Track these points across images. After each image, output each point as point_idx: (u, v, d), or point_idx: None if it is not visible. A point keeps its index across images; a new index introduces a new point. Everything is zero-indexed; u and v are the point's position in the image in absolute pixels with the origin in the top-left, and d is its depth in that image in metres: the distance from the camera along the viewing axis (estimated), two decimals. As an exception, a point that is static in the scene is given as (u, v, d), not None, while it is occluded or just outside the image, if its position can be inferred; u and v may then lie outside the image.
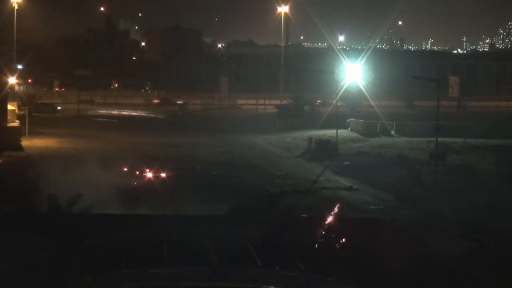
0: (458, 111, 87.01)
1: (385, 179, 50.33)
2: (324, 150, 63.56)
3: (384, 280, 11.82)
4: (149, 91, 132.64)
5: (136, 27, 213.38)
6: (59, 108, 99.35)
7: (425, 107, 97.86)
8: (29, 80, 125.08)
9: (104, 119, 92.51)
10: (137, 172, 50.22)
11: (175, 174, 50.07)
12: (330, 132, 73.49)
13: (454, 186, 48.51)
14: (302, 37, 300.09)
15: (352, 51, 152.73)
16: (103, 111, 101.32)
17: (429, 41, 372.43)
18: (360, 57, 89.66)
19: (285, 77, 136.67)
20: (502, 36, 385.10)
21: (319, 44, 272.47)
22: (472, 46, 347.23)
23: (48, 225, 15.47)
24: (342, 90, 77.09)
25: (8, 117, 69.75)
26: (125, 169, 51.36)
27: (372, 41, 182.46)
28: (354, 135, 77.92)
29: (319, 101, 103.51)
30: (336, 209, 16.11)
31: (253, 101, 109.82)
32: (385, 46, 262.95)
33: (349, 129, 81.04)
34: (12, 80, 78.09)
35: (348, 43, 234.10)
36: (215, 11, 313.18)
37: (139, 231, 13.18)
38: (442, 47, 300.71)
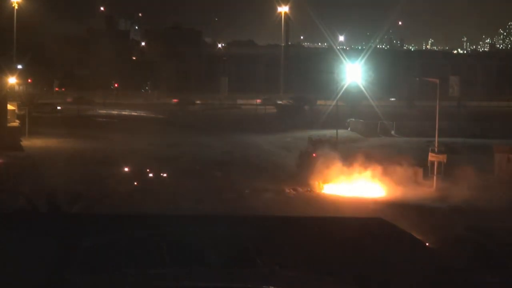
0: (458, 111, 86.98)
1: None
2: (324, 150, 63.42)
3: (384, 280, 11.82)
4: (149, 91, 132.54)
5: (136, 27, 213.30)
6: (59, 108, 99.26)
7: (425, 107, 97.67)
8: (29, 80, 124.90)
9: (104, 119, 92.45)
10: (137, 173, 50.25)
11: (174, 174, 50.10)
12: (330, 132, 73.46)
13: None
14: (302, 37, 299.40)
15: (352, 51, 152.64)
16: (103, 111, 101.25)
17: (429, 41, 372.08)
18: (360, 57, 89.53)
19: (285, 77, 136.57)
20: (502, 36, 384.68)
21: (319, 44, 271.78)
22: (472, 46, 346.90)
23: (48, 225, 15.47)
24: (342, 90, 77.00)
25: (8, 117, 69.71)
26: (126, 169, 51.39)
27: (372, 41, 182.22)
28: (354, 135, 77.86)
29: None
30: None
31: (253, 101, 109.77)
32: (385, 46, 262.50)
33: (349, 129, 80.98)
34: (12, 80, 78.02)
35: (348, 43, 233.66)
36: (215, 11, 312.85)
37: (139, 231, 13.17)
38: (442, 47, 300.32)
